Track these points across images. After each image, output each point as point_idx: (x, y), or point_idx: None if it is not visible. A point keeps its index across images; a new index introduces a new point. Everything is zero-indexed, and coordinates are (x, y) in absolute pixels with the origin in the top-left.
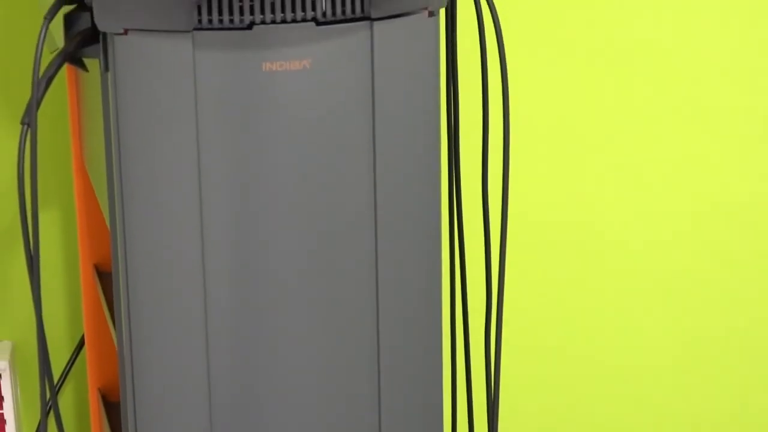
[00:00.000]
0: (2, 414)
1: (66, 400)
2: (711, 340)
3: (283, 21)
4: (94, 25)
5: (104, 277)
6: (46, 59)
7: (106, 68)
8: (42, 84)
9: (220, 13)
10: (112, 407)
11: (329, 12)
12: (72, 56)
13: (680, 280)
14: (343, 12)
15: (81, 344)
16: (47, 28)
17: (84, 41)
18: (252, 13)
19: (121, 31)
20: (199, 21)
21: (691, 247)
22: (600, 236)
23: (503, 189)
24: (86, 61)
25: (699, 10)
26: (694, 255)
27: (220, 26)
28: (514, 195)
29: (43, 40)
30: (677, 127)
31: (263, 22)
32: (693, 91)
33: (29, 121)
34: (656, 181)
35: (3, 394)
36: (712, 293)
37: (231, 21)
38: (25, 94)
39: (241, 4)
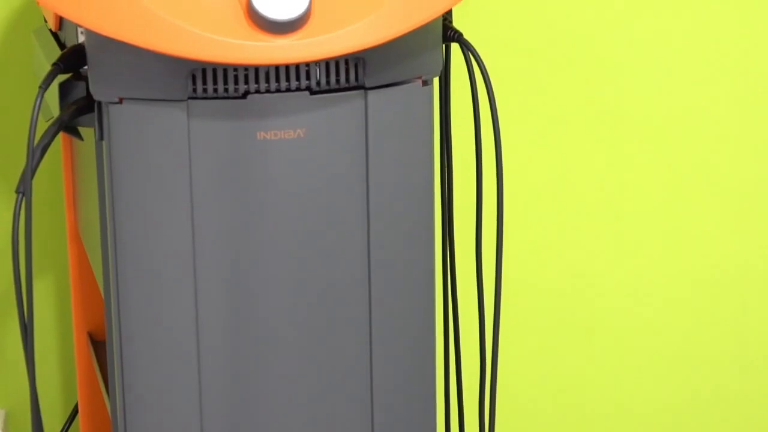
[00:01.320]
0: None
1: None
2: (709, 405)
3: (278, 90)
4: (89, 94)
5: (98, 345)
6: (42, 128)
7: (101, 137)
8: (37, 153)
9: (215, 82)
10: None
11: (323, 81)
12: (67, 125)
13: (678, 353)
14: (338, 81)
15: (75, 412)
16: (42, 97)
17: (79, 110)
18: (246, 82)
19: (116, 100)
20: (194, 90)
21: (689, 320)
22: (596, 307)
23: (497, 254)
24: (81, 129)
25: (692, 84)
26: (691, 328)
27: (214, 95)
28: (508, 261)
29: (38, 109)
30: (674, 199)
31: (258, 92)
32: (690, 161)
33: (24, 189)
34: (653, 252)
35: None
36: (709, 366)
37: (226, 90)
38: (20, 162)
39: (235, 73)
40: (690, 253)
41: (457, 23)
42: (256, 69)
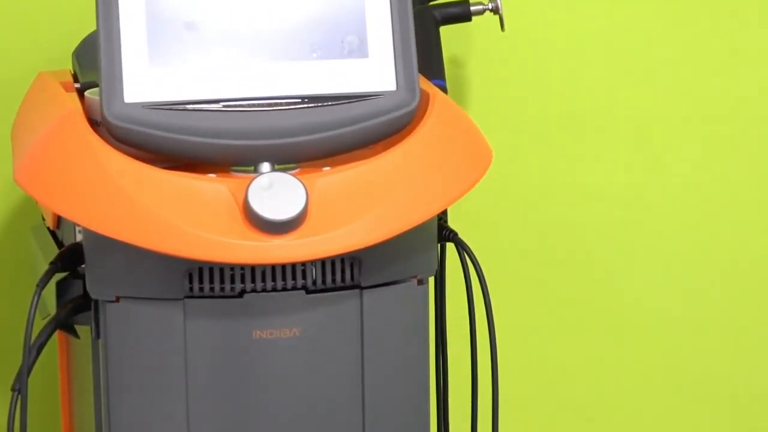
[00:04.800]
0: None
1: None
2: None
3: (274, 289)
4: (85, 293)
5: None
6: (38, 325)
7: (98, 335)
8: (33, 351)
9: (212, 281)
10: None
11: (320, 281)
12: (63, 323)
13: None
14: (333, 280)
15: None
16: (40, 296)
17: (76, 308)
18: (243, 281)
19: (113, 298)
20: (191, 289)
21: None
22: None
23: None
24: (77, 327)
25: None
26: None
27: (211, 294)
28: None
29: (36, 308)
30: (674, 398)
31: (254, 291)
32: (691, 367)
33: (20, 387)
34: None
35: None
36: None
37: (222, 289)
38: (16, 359)
39: (231, 272)
40: None
41: (452, 223)
42: (253, 268)
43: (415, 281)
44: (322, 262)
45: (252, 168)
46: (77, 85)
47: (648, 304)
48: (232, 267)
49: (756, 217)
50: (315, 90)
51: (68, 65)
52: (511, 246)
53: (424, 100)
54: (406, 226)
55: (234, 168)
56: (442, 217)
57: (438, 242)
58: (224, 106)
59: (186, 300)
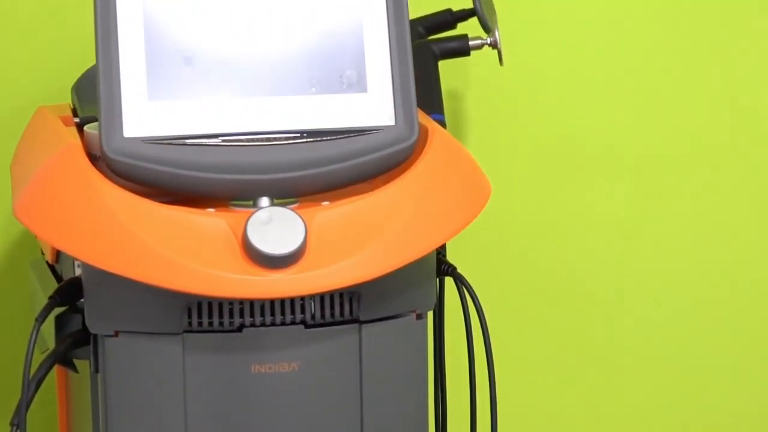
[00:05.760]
0: None
1: None
2: None
3: (273, 324)
4: (84, 327)
5: None
6: (37, 360)
7: (96, 369)
8: (32, 386)
9: (210, 315)
10: None
11: (318, 315)
12: (62, 357)
13: None
14: (332, 315)
15: None
16: (38, 330)
17: (75, 343)
18: (242, 315)
19: (112, 333)
20: (189, 324)
21: None
22: None
23: None
24: (76, 362)
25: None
26: None
27: (209, 329)
28: None
29: (34, 342)
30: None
31: (253, 325)
32: (691, 406)
33: (18, 422)
34: None
35: None
36: None
37: (221, 324)
38: (15, 394)
39: (230, 307)
40: None
41: (451, 257)
42: (252, 303)
43: (413, 316)
44: (321, 296)
45: (251, 202)
46: (76, 120)
47: (648, 337)
48: (231, 301)
49: (758, 251)
50: (314, 125)
51: (67, 100)
52: (510, 280)
53: (423, 134)
54: (405, 260)
55: (233, 202)
56: (441, 251)
57: (437, 277)
58: (223, 141)
59: (185, 334)
